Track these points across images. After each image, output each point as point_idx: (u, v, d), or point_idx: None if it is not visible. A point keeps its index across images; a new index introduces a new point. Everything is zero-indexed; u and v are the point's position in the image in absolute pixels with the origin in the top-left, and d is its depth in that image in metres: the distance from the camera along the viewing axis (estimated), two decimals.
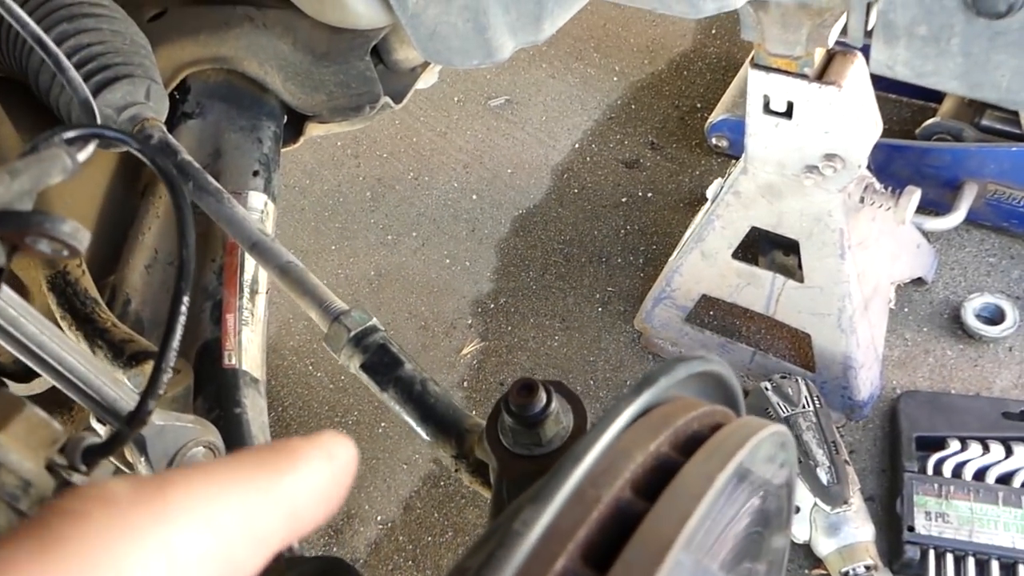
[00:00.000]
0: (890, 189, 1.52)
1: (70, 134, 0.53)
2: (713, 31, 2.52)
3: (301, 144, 1.43)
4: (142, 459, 0.77)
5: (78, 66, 1.04)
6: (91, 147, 0.54)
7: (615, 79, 2.47)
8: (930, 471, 1.57)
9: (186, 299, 0.53)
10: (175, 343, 0.52)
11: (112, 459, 0.86)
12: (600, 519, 0.40)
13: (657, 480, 0.45)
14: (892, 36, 0.99)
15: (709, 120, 2.15)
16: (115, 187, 1.27)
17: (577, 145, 2.34)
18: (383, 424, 1.95)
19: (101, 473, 0.52)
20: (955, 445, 1.59)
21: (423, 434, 0.86)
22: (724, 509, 0.50)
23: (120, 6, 1.17)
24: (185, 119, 1.32)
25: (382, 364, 0.88)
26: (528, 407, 0.70)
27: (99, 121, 0.65)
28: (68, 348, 0.63)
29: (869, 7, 1.02)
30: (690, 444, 0.50)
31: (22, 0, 1.07)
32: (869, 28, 1.04)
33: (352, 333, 0.89)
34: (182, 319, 0.53)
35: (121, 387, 0.68)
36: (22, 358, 0.59)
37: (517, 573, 0.35)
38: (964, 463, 1.56)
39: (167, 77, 1.23)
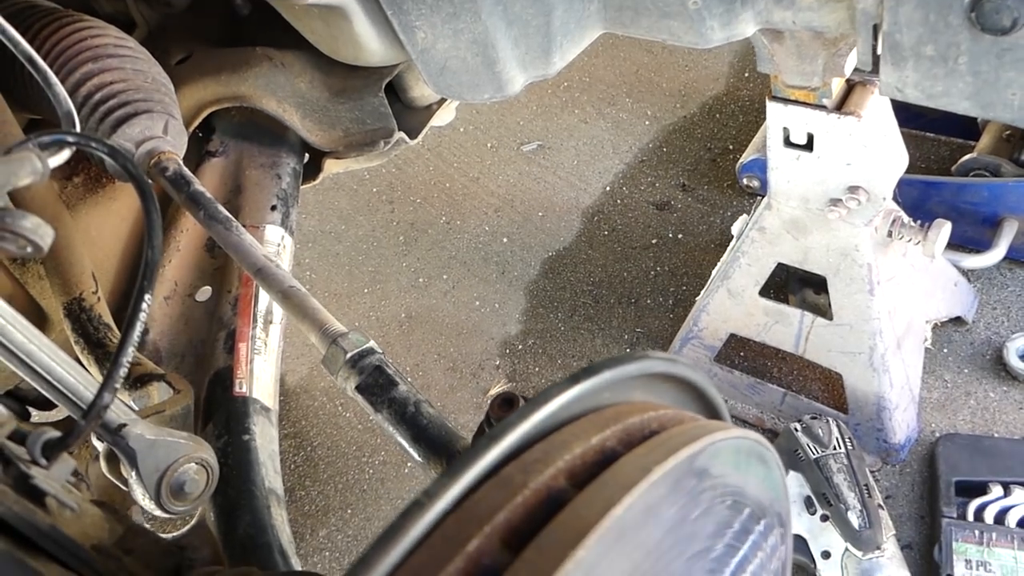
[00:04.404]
0: (919, 223, 1.48)
1: (43, 139, 0.55)
2: (746, 74, 2.52)
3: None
4: (133, 473, 0.78)
5: (101, 102, 1.09)
6: (64, 153, 0.56)
7: (647, 123, 2.48)
8: (970, 517, 1.49)
9: (148, 297, 0.54)
10: (135, 338, 0.53)
11: (108, 474, 0.87)
12: (526, 504, 0.39)
13: (598, 472, 0.44)
14: (899, 58, 0.98)
15: (740, 161, 2.14)
16: (140, 222, 1.31)
17: (608, 188, 2.35)
18: (409, 464, 1.94)
19: (61, 467, 0.53)
20: (997, 490, 1.52)
21: (415, 455, 0.85)
22: (684, 508, 0.47)
23: (150, 51, 1.22)
24: (209, 157, 1.37)
25: (377, 385, 0.88)
26: None
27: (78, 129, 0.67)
28: (49, 351, 0.65)
29: (876, 29, 1.01)
30: (644, 442, 0.49)
31: (58, 40, 1.12)
32: (878, 52, 1.03)
33: (348, 355, 0.89)
34: (143, 315, 0.54)
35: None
36: None
37: (419, 545, 0.34)
38: (1007, 509, 1.48)
39: (191, 115, 1.28)
